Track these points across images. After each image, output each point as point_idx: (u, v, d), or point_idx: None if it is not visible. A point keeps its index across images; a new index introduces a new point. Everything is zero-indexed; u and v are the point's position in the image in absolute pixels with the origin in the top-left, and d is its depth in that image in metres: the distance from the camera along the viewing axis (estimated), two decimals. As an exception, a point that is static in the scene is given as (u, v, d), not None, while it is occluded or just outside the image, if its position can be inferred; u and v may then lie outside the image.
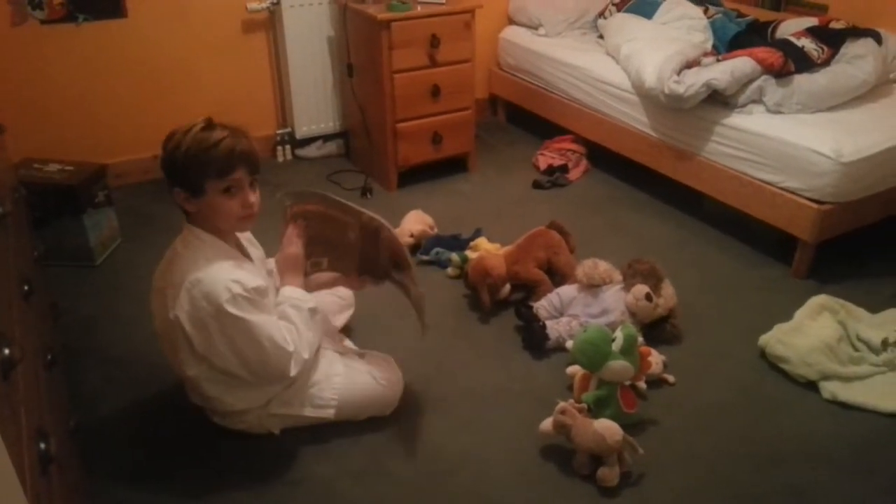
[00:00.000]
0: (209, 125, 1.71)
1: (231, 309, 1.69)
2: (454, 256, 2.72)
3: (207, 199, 1.72)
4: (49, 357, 1.65)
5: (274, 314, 1.81)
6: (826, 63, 2.97)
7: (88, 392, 2.16)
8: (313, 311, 1.90)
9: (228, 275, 1.70)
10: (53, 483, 1.23)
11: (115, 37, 3.19)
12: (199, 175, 1.69)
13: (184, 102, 3.38)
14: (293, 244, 1.96)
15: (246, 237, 1.99)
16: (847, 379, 2.19)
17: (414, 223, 2.91)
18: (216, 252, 1.75)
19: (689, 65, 3.05)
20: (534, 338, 2.32)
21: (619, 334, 2.01)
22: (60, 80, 3.16)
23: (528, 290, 2.58)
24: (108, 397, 2.14)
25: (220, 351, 1.76)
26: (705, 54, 3.16)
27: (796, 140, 2.65)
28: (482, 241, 2.81)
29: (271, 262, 2.08)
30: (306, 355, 1.83)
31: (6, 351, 1.11)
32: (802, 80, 2.85)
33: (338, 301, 2.32)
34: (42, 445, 1.16)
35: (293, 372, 1.82)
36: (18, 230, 2.00)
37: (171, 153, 1.70)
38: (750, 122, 2.83)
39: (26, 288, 1.61)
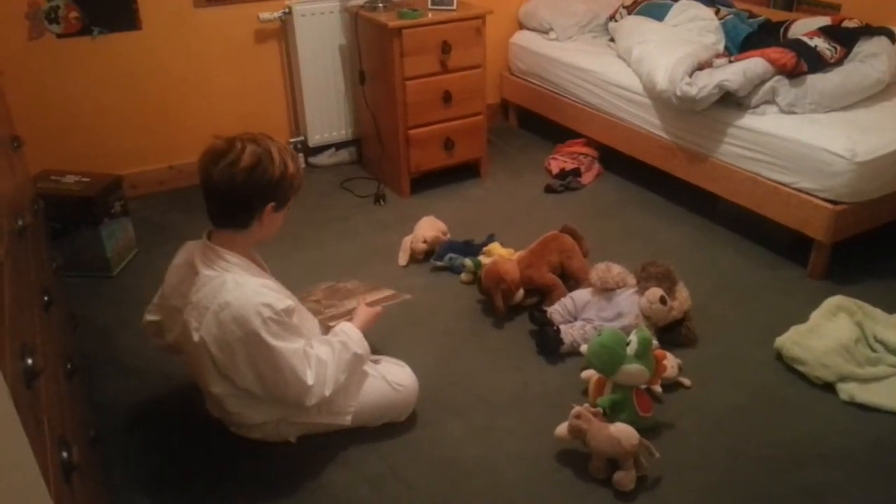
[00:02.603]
0: (275, 140, 1.79)
1: (263, 334, 1.70)
2: (468, 262, 2.72)
3: (281, 213, 1.83)
4: (69, 366, 1.67)
5: (303, 335, 1.82)
6: (839, 62, 2.96)
7: (107, 401, 2.18)
8: (358, 357, 1.91)
9: (258, 298, 1.71)
10: (76, 491, 1.25)
11: (130, 49, 3.23)
12: (293, 191, 1.82)
13: (198, 112, 3.41)
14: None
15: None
16: (864, 380, 2.18)
17: (427, 229, 2.92)
18: (243, 271, 1.77)
19: (701, 66, 3.04)
20: (548, 342, 2.32)
21: (633, 338, 2.01)
22: (76, 92, 3.20)
23: (541, 295, 2.58)
24: (126, 406, 2.17)
25: (242, 372, 1.78)
26: (717, 56, 3.15)
27: (810, 140, 2.63)
28: (495, 247, 2.81)
29: None
30: (327, 392, 1.82)
31: (29, 361, 1.13)
32: (816, 80, 2.84)
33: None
34: (64, 454, 1.18)
35: (309, 404, 1.82)
36: (37, 242, 2.03)
37: (283, 175, 1.75)
38: (763, 122, 2.82)
39: (46, 298, 1.64)
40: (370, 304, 2.10)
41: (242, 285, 1.72)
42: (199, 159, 1.75)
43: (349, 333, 1.92)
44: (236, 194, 1.73)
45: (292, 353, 1.75)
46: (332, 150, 3.82)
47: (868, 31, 3.06)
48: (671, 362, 2.16)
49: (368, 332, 2.32)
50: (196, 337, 1.75)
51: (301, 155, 3.76)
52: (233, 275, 1.74)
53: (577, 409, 1.91)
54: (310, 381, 1.78)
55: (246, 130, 1.80)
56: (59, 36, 3.09)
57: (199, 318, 1.74)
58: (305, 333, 1.87)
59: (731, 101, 2.93)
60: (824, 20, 3.24)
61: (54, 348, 1.63)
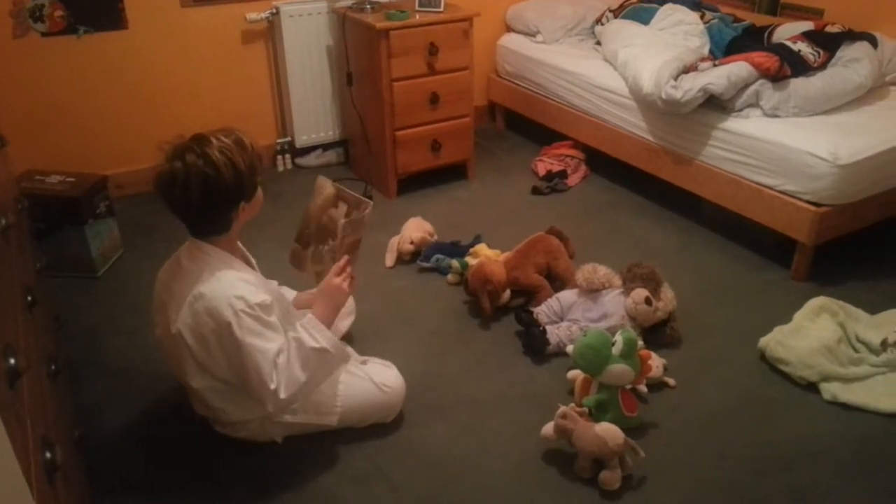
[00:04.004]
0: (216, 136, 1.72)
1: (234, 327, 1.69)
2: (454, 263, 2.73)
3: (255, 196, 1.81)
4: (53, 367, 1.66)
5: (281, 332, 1.78)
6: (822, 67, 2.99)
7: (91, 403, 2.16)
8: (317, 352, 1.80)
9: (232, 290, 1.71)
10: (59, 492, 1.24)
11: (116, 48, 3.22)
12: (256, 177, 1.78)
13: (184, 112, 3.40)
14: (344, 281, 1.91)
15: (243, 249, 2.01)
16: (847, 380, 2.20)
17: (414, 230, 2.93)
18: (221, 264, 1.76)
19: (686, 70, 3.07)
20: (534, 343, 2.33)
21: (618, 338, 2.02)
22: (62, 91, 3.18)
23: (528, 296, 2.59)
24: (110, 408, 2.15)
25: (218, 363, 1.77)
26: (702, 59, 3.17)
27: (793, 143, 2.66)
28: (482, 248, 2.82)
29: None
30: (283, 395, 1.75)
31: (12, 360, 1.12)
32: (799, 84, 2.87)
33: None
34: (48, 454, 1.17)
35: (270, 408, 1.79)
36: (21, 242, 2.01)
37: (236, 176, 1.69)
38: (747, 125, 2.85)
39: (29, 299, 1.63)
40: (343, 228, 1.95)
41: (219, 278, 1.72)
42: (153, 187, 1.72)
43: (307, 327, 1.82)
44: (203, 213, 1.73)
45: (261, 352, 1.72)
46: (319, 151, 3.81)
47: (851, 35, 3.10)
48: (656, 362, 2.18)
49: (355, 332, 2.31)
50: (174, 328, 1.75)
51: (288, 156, 3.76)
52: (211, 267, 1.74)
53: (562, 408, 1.92)
54: (272, 385, 1.74)
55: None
56: (44, 35, 3.07)
57: (176, 310, 1.75)
58: (289, 329, 1.84)
59: (715, 105, 2.96)
60: (808, 25, 3.27)
61: (38, 349, 1.62)
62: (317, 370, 1.82)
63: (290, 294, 2.25)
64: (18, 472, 0.94)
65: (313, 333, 1.81)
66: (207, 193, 1.68)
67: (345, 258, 1.92)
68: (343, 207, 2.01)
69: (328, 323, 1.86)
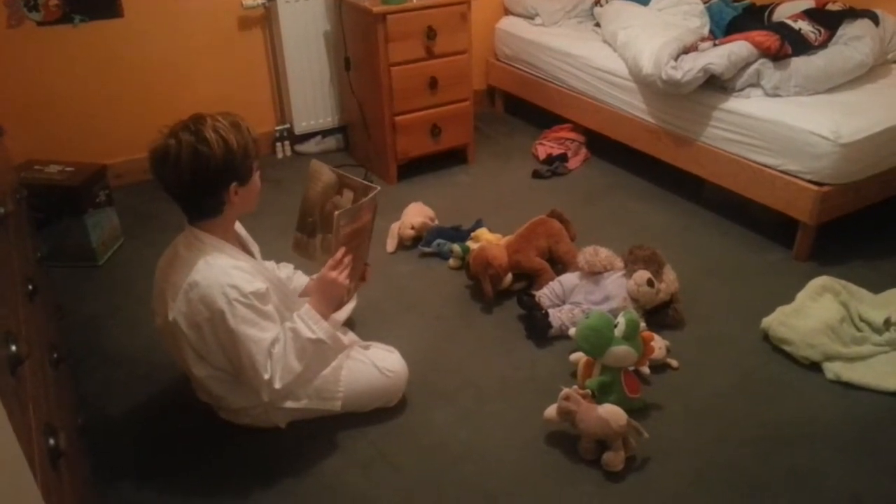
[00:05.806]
0: (213, 116, 1.72)
1: (228, 316, 1.69)
2: (455, 247, 2.72)
3: (250, 182, 1.79)
4: (55, 356, 1.66)
5: (276, 321, 1.78)
6: (823, 45, 2.97)
7: (94, 391, 2.17)
8: (314, 342, 1.79)
9: (226, 279, 1.70)
10: (63, 478, 1.24)
11: (112, 37, 3.20)
12: (251, 160, 1.76)
13: (182, 100, 3.38)
14: (341, 273, 1.84)
15: (244, 234, 2.01)
16: (850, 359, 2.20)
17: (415, 215, 2.92)
18: (216, 252, 1.76)
19: (687, 50, 3.04)
20: (536, 326, 2.33)
21: (621, 320, 2.02)
22: (59, 81, 3.16)
23: (529, 279, 2.58)
24: (113, 396, 2.16)
25: (213, 352, 1.78)
26: (702, 39, 3.15)
27: (795, 122, 2.64)
28: (483, 232, 2.81)
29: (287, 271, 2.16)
30: (277, 385, 1.75)
31: (13, 347, 1.12)
32: (800, 63, 2.85)
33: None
34: (51, 441, 1.17)
35: (265, 398, 1.79)
36: (20, 231, 2.01)
37: (227, 154, 1.68)
38: (748, 105, 2.83)
39: (30, 287, 1.62)
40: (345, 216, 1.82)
41: (213, 266, 1.72)
42: (149, 164, 1.72)
43: (304, 318, 1.80)
44: (193, 191, 1.72)
45: (255, 342, 1.72)
46: (319, 137, 3.80)
47: (852, 13, 3.07)
48: (659, 344, 2.17)
49: (358, 317, 2.30)
50: (171, 316, 1.75)
51: (287, 143, 3.75)
52: (206, 255, 1.74)
53: (565, 390, 1.92)
54: (266, 375, 1.74)
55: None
56: (40, 24, 3.05)
57: (173, 298, 1.75)
58: (286, 316, 1.84)
59: (716, 85, 2.94)
60: (808, 3, 3.25)
61: (40, 337, 1.62)
62: (313, 361, 1.82)
63: (303, 279, 2.24)
64: (21, 456, 0.93)
65: (310, 324, 1.80)
66: (197, 170, 1.67)
67: (342, 250, 1.85)
68: (349, 195, 1.98)
69: (323, 317, 1.83)
